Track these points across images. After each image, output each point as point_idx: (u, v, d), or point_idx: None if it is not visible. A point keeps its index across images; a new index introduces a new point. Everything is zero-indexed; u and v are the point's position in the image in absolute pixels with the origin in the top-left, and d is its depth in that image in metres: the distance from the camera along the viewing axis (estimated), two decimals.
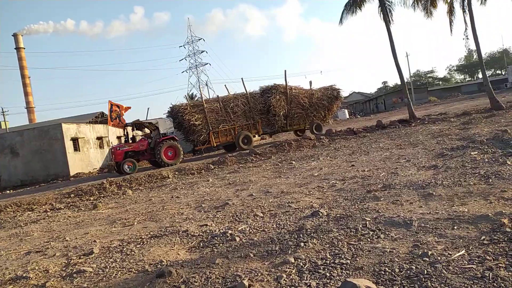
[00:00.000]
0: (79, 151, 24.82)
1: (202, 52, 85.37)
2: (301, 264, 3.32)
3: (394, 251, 3.31)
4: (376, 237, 3.72)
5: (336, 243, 3.72)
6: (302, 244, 3.81)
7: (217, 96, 19.39)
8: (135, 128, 18.37)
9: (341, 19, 21.95)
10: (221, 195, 7.71)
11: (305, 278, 3.03)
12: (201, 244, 4.46)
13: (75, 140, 24.58)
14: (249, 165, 12.67)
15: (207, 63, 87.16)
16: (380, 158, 9.18)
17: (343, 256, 3.35)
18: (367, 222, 4.18)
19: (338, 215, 4.67)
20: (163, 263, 3.92)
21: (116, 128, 19.30)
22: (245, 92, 19.66)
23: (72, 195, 11.53)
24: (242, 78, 20.17)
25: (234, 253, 3.92)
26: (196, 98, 34.71)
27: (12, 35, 73.02)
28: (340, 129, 18.96)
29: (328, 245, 3.70)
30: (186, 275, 3.46)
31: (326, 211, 4.93)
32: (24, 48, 73.31)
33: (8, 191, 20.48)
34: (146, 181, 12.50)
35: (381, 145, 11.76)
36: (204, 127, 18.10)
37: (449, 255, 3.06)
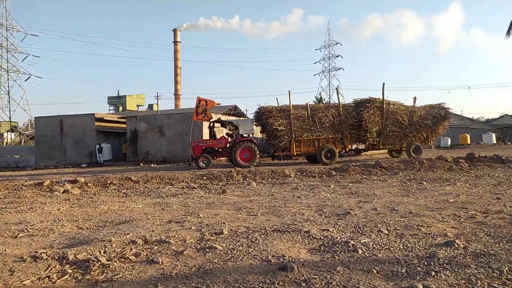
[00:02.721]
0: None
1: (337, 56, 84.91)
2: None
3: None
4: None
5: (474, 281, 3.35)
6: (433, 273, 3.54)
7: (307, 103, 18.77)
8: (214, 125, 19.27)
9: (509, 30, 19.22)
10: (343, 203, 7.62)
11: None
12: (322, 248, 4.51)
13: (211, 128, 27.03)
14: (373, 178, 12.19)
15: (340, 68, 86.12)
16: None
17: None
18: None
19: (477, 251, 4.19)
20: (285, 258, 4.09)
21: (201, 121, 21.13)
22: (338, 103, 18.79)
23: (204, 178, 12.79)
24: (337, 88, 19.55)
25: (356, 265, 3.86)
26: (324, 102, 34.66)
27: (172, 30, 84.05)
28: (485, 155, 16.71)
29: (464, 281, 3.36)
30: (307, 274, 3.56)
31: (463, 243, 4.46)
32: (180, 42, 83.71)
33: (153, 165, 23.78)
34: (269, 176, 13.09)
35: None
36: (287, 133, 17.82)
37: None
